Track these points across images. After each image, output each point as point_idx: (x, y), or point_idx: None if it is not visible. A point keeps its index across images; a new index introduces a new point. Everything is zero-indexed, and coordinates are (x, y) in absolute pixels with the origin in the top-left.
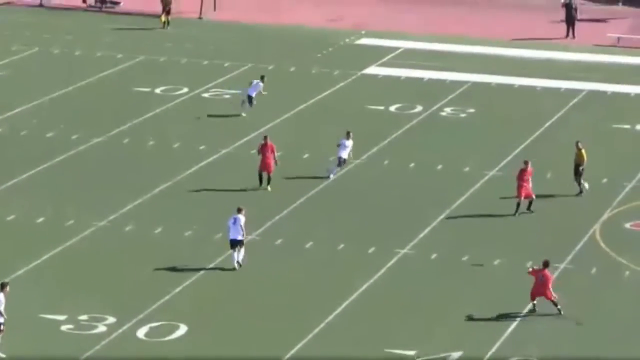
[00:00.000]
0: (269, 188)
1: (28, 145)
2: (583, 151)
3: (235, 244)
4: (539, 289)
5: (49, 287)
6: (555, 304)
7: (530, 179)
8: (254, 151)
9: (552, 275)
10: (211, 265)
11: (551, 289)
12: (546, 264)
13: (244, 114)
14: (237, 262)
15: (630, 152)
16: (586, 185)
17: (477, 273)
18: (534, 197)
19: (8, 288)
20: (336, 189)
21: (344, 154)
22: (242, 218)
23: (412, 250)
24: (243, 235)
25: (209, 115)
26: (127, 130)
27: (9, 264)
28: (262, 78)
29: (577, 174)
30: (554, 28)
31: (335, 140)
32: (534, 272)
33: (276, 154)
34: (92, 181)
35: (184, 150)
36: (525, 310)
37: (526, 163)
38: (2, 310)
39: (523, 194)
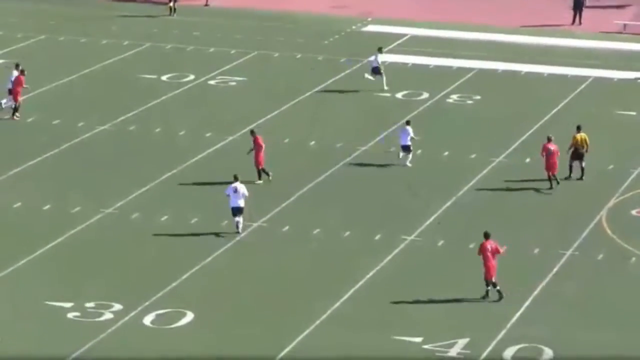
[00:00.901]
0: (260, 182)
1: (35, 133)
2: (584, 135)
3: (238, 211)
4: (490, 263)
5: (56, 275)
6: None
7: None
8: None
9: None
10: (217, 253)
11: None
12: (487, 235)
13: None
14: (239, 226)
15: (636, 139)
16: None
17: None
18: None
19: None
20: (342, 177)
21: (407, 141)
22: (241, 186)
23: (419, 237)
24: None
25: (214, 103)
26: (132, 117)
27: (15, 251)
28: (379, 49)
29: (578, 157)
30: (561, 14)
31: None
32: (483, 250)
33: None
34: (98, 169)
35: (190, 138)
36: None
37: (549, 139)
38: None
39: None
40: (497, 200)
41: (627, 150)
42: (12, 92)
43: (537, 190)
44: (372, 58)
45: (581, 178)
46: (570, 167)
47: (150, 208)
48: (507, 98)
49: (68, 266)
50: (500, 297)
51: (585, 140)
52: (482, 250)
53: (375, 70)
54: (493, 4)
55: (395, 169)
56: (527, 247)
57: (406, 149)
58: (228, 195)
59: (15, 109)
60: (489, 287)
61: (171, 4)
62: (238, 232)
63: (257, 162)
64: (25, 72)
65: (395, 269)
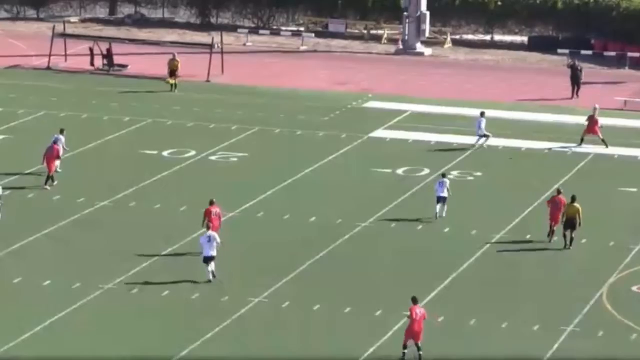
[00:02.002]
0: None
1: (35, 208)
2: (578, 206)
3: (211, 259)
4: (418, 327)
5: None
6: (419, 348)
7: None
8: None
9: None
10: (216, 330)
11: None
12: (415, 300)
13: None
14: (212, 272)
15: (636, 215)
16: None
17: (483, 335)
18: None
19: None
20: (343, 251)
21: (444, 193)
22: (214, 234)
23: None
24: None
25: (215, 178)
26: (133, 193)
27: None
28: (481, 114)
29: (571, 227)
30: (559, 89)
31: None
32: (412, 312)
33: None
34: (98, 245)
35: (191, 214)
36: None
37: (559, 192)
38: None
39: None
40: (497, 275)
41: (628, 227)
42: (47, 161)
43: (538, 265)
44: (477, 125)
45: (569, 247)
46: (564, 236)
47: (151, 283)
48: (508, 174)
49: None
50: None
51: (579, 211)
52: (413, 314)
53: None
54: (492, 80)
55: (396, 245)
56: (526, 323)
57: (442, 200)
58: (202, 244)
59: (48, 178)
60: (407, 350)
61: (172, 80)
62: (210, 280)
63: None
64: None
65: (396, 344)
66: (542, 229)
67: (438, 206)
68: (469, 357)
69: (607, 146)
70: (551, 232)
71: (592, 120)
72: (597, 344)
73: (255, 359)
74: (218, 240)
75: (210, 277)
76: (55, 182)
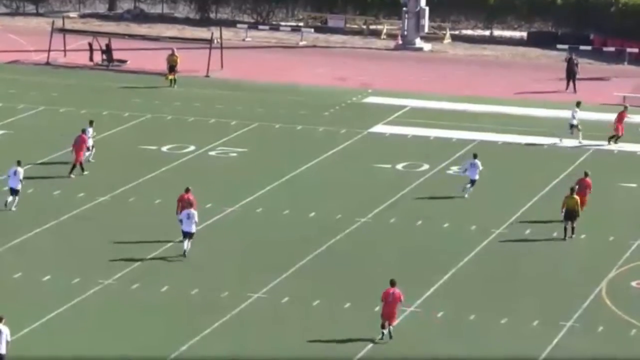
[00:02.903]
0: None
1: (35, 204)
2: (577, 197)
3: (189, 235)
4: (389, 309)
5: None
6: (390, 333)
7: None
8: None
9: (401, 293)
10: (214, 326)
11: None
12: (393, 283)
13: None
14: (185, 250)
15: (636, 211)
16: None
17: (482, 331)
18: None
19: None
20: (342, 247)
21: (476, 175)
22: (195, 213)
23: (419, 308)
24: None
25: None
26: (132, 189)
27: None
28: (577, 104)
29: (571, 218)
30: (559, 85)
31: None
32: (385, 296)
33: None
34: (98, 240)
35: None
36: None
37: (586, 174)
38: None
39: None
40: (497, 271)
41: (627, 222)
42: (75, 150)
43: (537, 261)
44: (571, 114)
45: (571, 236)
46: (565, 228)
47: (150, 279)
48: (508, 170)
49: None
50: (390, 337)
51: (577, 202)
52: (384, 296)
53: (572, 126)
54: (492, 75)
55: (396, 240)
56: (526, 318)
57: (473, 182)
58: (180, 221)
59: (74, 167)
60: (385, 330)
61: (171, 76)
62: (184, 255)
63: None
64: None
65: (395, 338)
66: (541, 224)
67: (470, 188)
68: (469, 353)
69: (609, 143)
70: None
71: (620, 116)
72: (596, 340)
73: (255, 354)
74: (196, 218)
75: (185, 252)
76: (86, 172)
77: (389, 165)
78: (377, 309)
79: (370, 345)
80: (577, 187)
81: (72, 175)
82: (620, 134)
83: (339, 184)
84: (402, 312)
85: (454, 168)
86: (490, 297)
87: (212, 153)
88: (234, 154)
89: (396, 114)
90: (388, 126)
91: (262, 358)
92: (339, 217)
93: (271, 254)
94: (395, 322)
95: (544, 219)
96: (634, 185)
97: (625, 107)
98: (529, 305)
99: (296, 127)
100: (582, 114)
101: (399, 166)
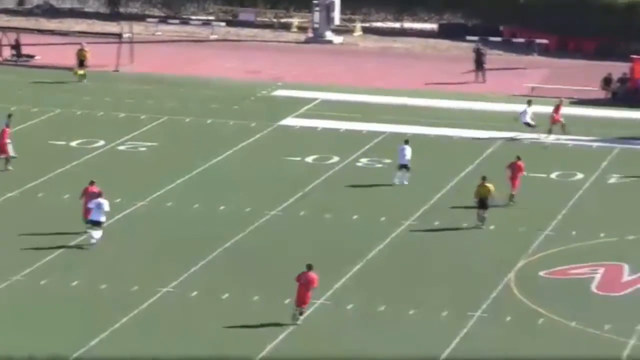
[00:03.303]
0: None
1: None
2: (490, 186)
3: (98, 224)
4: (301, 291)
5: None
6: (301, 313)
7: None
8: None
9: (316, 276)
10: (127, 318)
11: (310, 295)
12: (310, 267)
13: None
14: (93, 239)
15: (545, 201)
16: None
17: (393, 322)
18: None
19: None
20: (251, 240)
21: (404, 160)
22: (104, 202)
23: (329, 300)
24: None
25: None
26: (41, 184)
27: None
28: (529, 102)
29: (483, 206)
30: (468, 76)
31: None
32: (298, 277)
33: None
34: (5, 236)
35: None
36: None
37: (518, 158)
38: None
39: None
40: (406, 262)
41: (536, 213)
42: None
43: (446, 251)
44: (522, 111)
45: (481, 226)
46: (478, 215)
47: (60, 274)
48: (418, 162)
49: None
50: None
51: (489, 190)
52: (297, 278)
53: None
54: (402, 67)
55: (305, 233)
56: (435, 309)
57: (405, 167)
58: (90, 208)
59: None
60: (297, 311)
61: (81, 71)
62: (92, 244)
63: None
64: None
65: (305, 331)
66: (450, 215)
67: (399, 173)
68: (378, 344)
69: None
70: (511, 196)
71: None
72: (505, 329)
73: (164, 348)
74: (106, 208)
75: (92, 241)
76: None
77: (299, 158)
78: (287, 301)
79: (280, 337)
80: (509, 171)
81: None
82: (561, 122)
83: (249, 177)
84: (312, 305)
85: (364, 160)
86: (399, 288)
87: (122, 147)
88: (144, 149)
89: (306, 107)
90: (298, 119)
91: (171, 352)
92: (248, 210)
93: (181, 247)
94: (306, 307)
95: (453, 209)
96: (543, 175)
97: (561, 101)
98: (438, 295)
99: (206, 121)
100: (495, 106)
101: (309, 159)
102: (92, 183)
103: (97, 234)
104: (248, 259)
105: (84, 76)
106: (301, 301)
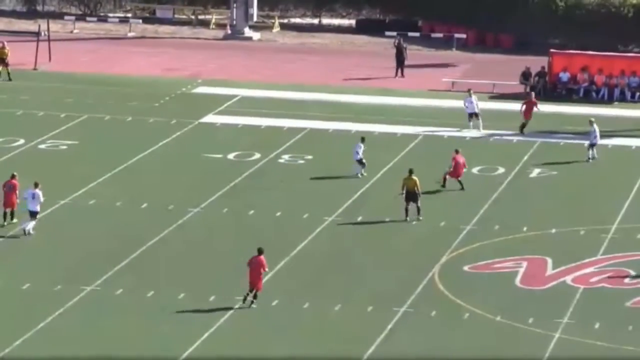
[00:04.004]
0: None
1: None
2: (415, 178)
3: (34, 214)
4: (251, 275)
5: None
6: (255, 297)
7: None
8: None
9: (265, 261)
10: (59, 313)
11: (262, 280)
12: (260, 251)
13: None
14: (28, 230)
15: (467, 196)
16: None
17: (316, 318)
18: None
19: None
20: (174, 238)
21: (358, 156)
22: (39, 192)
23: (253, 297)
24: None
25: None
26: None
27: None
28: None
29: (413, 199)
30: (386, 71)
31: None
32: (249, 262)
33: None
34: None
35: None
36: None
37: (457, 151)
38: None
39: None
40: (330, 258)
41: (458, 207)
42: None
43: (369, 247)
44: (468, 100)
45: (419, 218)
46: (407, 209)
47: None
48: (339, 157)
49: None
50: (250, 304)
51: (416, 183)
52: (248, 262)
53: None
54: (319, 62)
55: (227, 230)
56: (360, 304)
57: (360, 162)
58: (25, 199)
59: None
60: (251, 295)
61: (3, 68)
62: (29, 234)
63: (10, 205)
64: None
65: (228, 330)
66: (373, 211)
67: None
68: (302, 342)
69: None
70: (444, 182)
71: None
72: (430, 324)
73: (87, 347)
74: (42, 199)
75: (27, 231)
76: None
77: (220, 155)
78: (211, 298)
79: (207, 333)
80: (452, 164)
81: None
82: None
83: (171, 174)
84: (235, 302)
85: (286, 156)
86: (323, 284)
87: (42, 146)
88: (64, 147)
89: (227, 104)
90: (219, 116)
91: (94, 351)
92: (171, 207)
93: (104, 246)
94: (260, 291)
95: (376, 204)
96: (464, 170)
97: (529, 94)
98: (363, 291)
99: (126, 119)
100: (418, 101)
101: (231, 156)
102: (13, 177)
103: (31, 224)
104: (172, 256)
105: (8, 74)
106: (253, 285)
